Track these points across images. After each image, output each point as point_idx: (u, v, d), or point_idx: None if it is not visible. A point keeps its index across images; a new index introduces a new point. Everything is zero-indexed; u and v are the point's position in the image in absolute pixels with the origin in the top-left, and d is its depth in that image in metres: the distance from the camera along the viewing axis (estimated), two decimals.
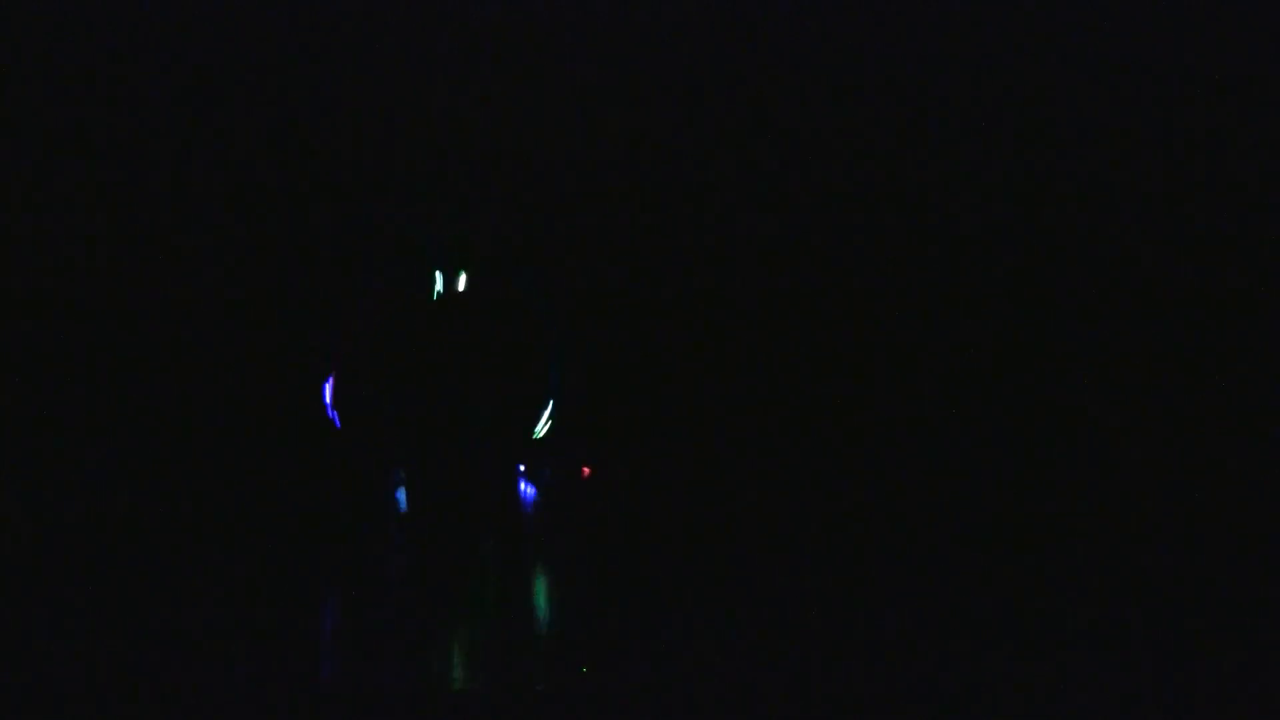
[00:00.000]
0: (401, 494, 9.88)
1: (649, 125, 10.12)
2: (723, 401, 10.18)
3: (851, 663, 6.34)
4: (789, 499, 9.59)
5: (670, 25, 9.99)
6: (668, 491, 9.82)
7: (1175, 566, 7.97)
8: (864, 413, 10.15)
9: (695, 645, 6.57)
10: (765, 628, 6.85)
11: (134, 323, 10.03)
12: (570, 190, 10.20)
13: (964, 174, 10.11)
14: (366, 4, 10.01)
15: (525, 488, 9.75)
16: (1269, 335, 9.92)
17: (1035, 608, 7.19)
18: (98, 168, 10.02)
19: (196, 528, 8.91)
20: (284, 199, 10.14)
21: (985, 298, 10.13)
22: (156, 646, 6.50)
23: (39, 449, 9.82)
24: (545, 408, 9.78)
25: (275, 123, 10.07)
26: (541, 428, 9.62)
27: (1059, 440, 10.02)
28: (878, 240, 10.17)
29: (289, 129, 10.08)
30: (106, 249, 10.06)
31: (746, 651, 6.48)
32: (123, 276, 10.05)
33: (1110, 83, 10.03)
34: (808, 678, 6.14)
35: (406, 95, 10.07)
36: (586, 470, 10.10)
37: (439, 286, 9.48)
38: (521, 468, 9.73)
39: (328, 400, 9.50)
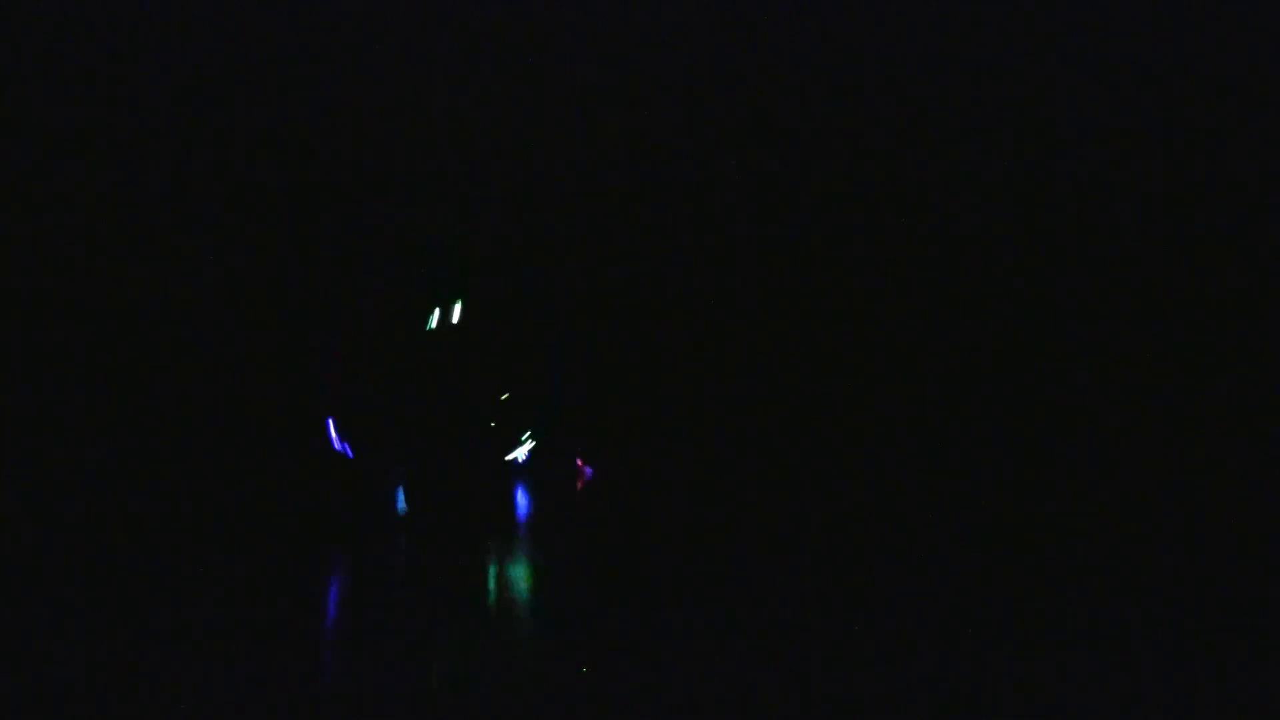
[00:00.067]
0: (401, 494, 9.88)
1: (649, 125, 10.13)
2: (723, 401, 10.19)
3: (851, 663, 6.34)
4: (789, 499, 9.59)
5: (670, 25, 9.99)
6: (667, 491, 9.82)
7: (1175, 566, 7.97)
8: (864, 413, 10.16)
9: (695, 645, 6.57)
10: (765, 628, 6.85)
11: (134, 323, 10.03)
12: (570, 190, 10.20)
13: (964, 174, 10.12)
14: (366, 4, 10.01)
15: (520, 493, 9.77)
16: (1269, 335, 9.92)
17: (1035, 608, 7.19)
18: (98, 168, 10.02)
19: (196, 528, 8.91)
20: (283, 199, 10.15)
21: (985, 298, 10.14)
22: (156, 646, 6.50)
23: (39, 449, 9.83)
24: (544, 409, 9.79)
25: (275, 123, 10.07)
26: (522, 451, 9.66)
27: (1059, 440, 10.02)
28: (878, 240, 10.18)
29: (289, 129, 10.09)
30: (106, 249, 10.07)
31: (746, 651, 6.48)
32: (123, 276, 10.05)
33: (1110, 83, 10.04)
34: (808, 678, 6.14)
35: (406, 95, 10.08)
36: (581, 464, 10.10)
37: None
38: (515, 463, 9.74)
39: (334, 436, 9.49)
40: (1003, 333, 10.09)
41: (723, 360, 10.20)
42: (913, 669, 6.20)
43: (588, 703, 5.84)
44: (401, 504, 9.82)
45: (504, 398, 9.57)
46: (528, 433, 9.65)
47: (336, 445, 9.44)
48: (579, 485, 10.06)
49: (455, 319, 9.35)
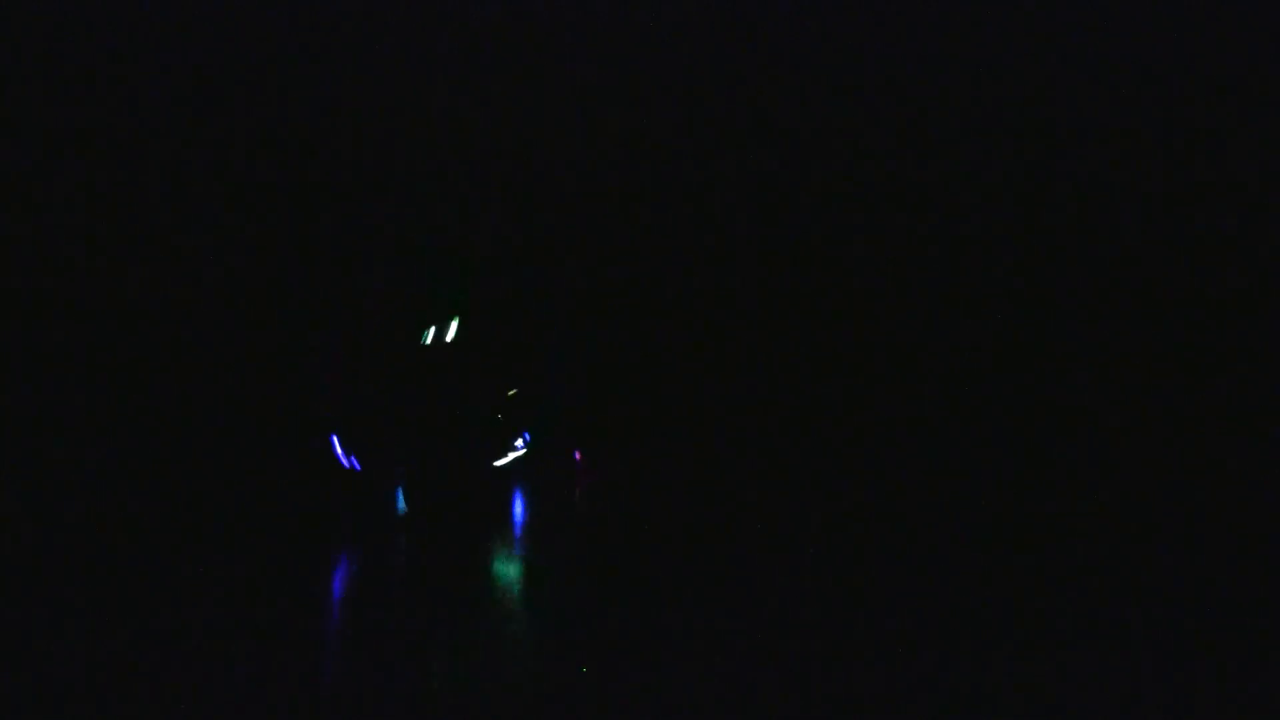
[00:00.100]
0: (400, 494, 9.89)
1: (649, 125, 10.12)
2: (722, 401, 10.18)
3: (851, 663, 6.34)
4: (789, 499, 9.58)
5: (670, 25, 9.99)
6: (667, 491, 9.81)
7: (1175, 566, 7.97)
8: (864, 413, 10.15)
9: (694, 645, 6.56)
10: (765, 628, 6.85)
11: (134, 323, 10.03)
12: (570, 190, 10.20)
13: (964, 174, 10.12)
14: (367, 4, 10.01)
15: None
16: (1269, 335, 9.92)
17: (1035, 608, 7.18)
18: (97, 168, 10.02)
19: (196, 528, 8.91)
20: (284, 199, 10.15)
21: (985, 298, 10.13)
22: (156, 646, 6.50)
23: (39, 449, 9.83)
24: (542, 411, 9.81)
25: (275, 123, 10.07)
26: (507, 460, 9.71)
27: (1059, 440, 10.02)
28: (878, 240, 10.17)
29: (289, 129, 10.08)
30: (106, 249, 10.07)
31: (746, 651, 6.48)
32: (122, 276, 10.05)
33: (1110, 83, 10.03)
34: (808, 678, 6.14)
35: (406, 95, 10.07)
36: (579, 459, 10.10)
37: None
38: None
39: (339, 451, 9.53)
40: (1003, 333, 10.09)
41: (722, 360, 10.20)
42: (913, 669, 6.20)
43: (588, 703, 5.84)
44: (401, 505, 9.82)
45: (509, 395, 9.60)
46: (521, 437, 9.70)
47: (343, 461, 9.51)
48: (578, 482, 10.06)
49: (453, 329, 9.41)
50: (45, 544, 8.48)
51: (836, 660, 6.38)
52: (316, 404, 9.58)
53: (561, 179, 10.18)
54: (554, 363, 9.87)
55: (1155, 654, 6.45)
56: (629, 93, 10.05)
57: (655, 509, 9.44)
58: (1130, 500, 9.36)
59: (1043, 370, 10.06)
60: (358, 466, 9.49)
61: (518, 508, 9.76)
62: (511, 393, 9.65)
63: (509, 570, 8.51)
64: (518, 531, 9.43)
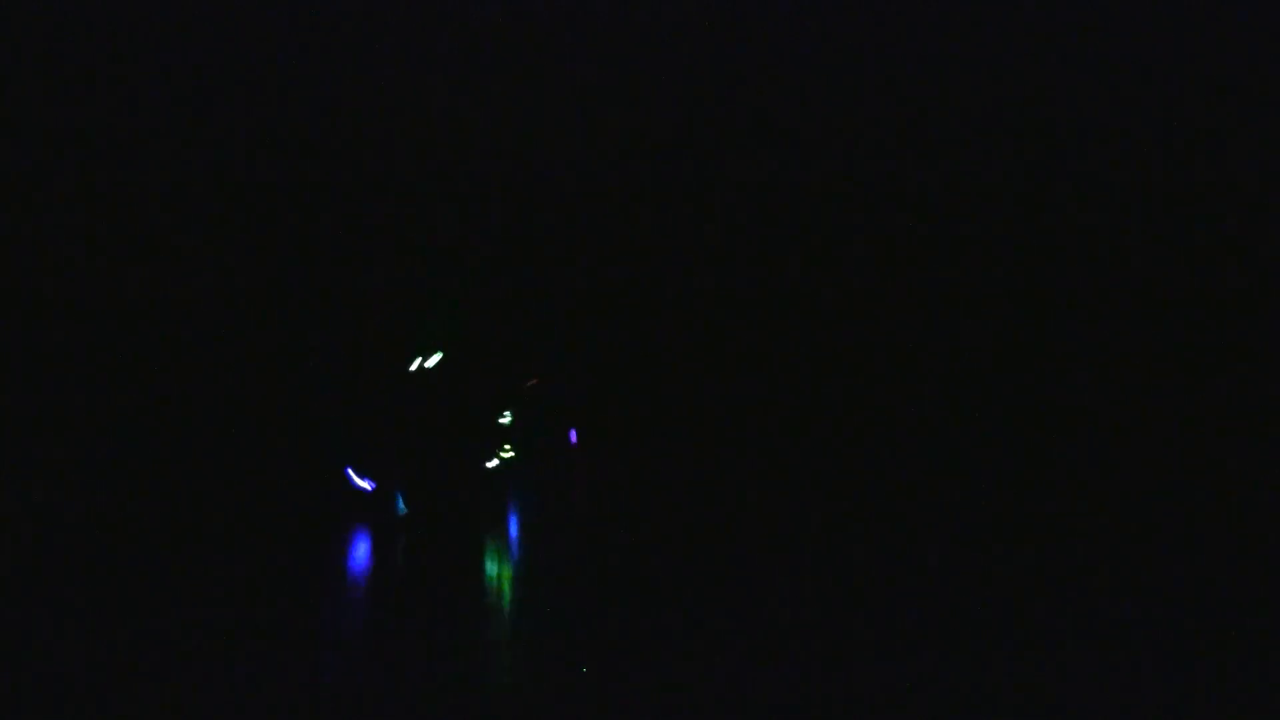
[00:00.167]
0: (400, 495, 9.91)
1: (648, 126, 10.12)
2: (722, 401, 10.18)
3: (851, 663, 6.34)
4: (789, 499, 9.58)
5: (670, 25, 9.99)
6: (666, 491, 9.81)
7: (1175, 566, 7.97)
8: (864, 413, 10.15)
9: (694, 645, 6.57)
10: (765, 628, 6.85)
11: (134, 323, 10.03)
12: (570, 190, 10.20)
13: (964, 174, 10.11)
14: (367, 4, 10.01)
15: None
16: (1269, 335, 9.92)
17: (1035, 608, 7.18)
18: (98, 168, 10.02)
19: (196, 528, 8.91)
20: (284, 200, 10.15)
21: (985, 298, 10.13)
22: (156, 646, 6.50)
23: (39, 449, 9.83)
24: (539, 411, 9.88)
25: (276, 123, 10.07)
26: (495, 461, 9.79)
27: (1059, 440, 10.01)
28: (878, 241, 10.17)
29: (290, 129, 10.08)
30: (106, 249, 10.07)
31: (746, 651, 6.48)
32: (123, 276, 10.05)
33: (1110, 83, 10.03)
34: (808, 678, 6.15)
35: (406, 95, 10.07)
36: (574, 436, 10.10)
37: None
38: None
39: (353, 478, 9.69)
40: (1003, 333, 10.09)
41: (722, 360, 10.20)
42: (913, 669, 6.20)
43: (588, 703, 5.84)
44: (401, 506, 9.84)
45: (530, 385, 9.76)
46: (509, 442, 9.83)
47: (356, 484, 9.65)
48: (573, 466, 10.07)
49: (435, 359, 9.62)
50: (45, 544, 8.48)
51: (836, 660, 6.38)
52: (323, 433, 9.72)
53: (562, 179, 10.18)
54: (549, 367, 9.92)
55: (1155, 654, 6.46)
56: (629, 93, 10.05)
57: (655, 509, 9.44)
58: (1130, 500, 9.36)
59: (1043, 370, 10.06)
60: (372, 486, 9.66)
61: (514, 511, 9.77)
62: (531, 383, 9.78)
63: (508, 571, 8.51)
64: (515, 532, 9.44)
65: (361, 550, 8.93)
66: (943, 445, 10.02)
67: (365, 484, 9.68)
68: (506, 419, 9.93)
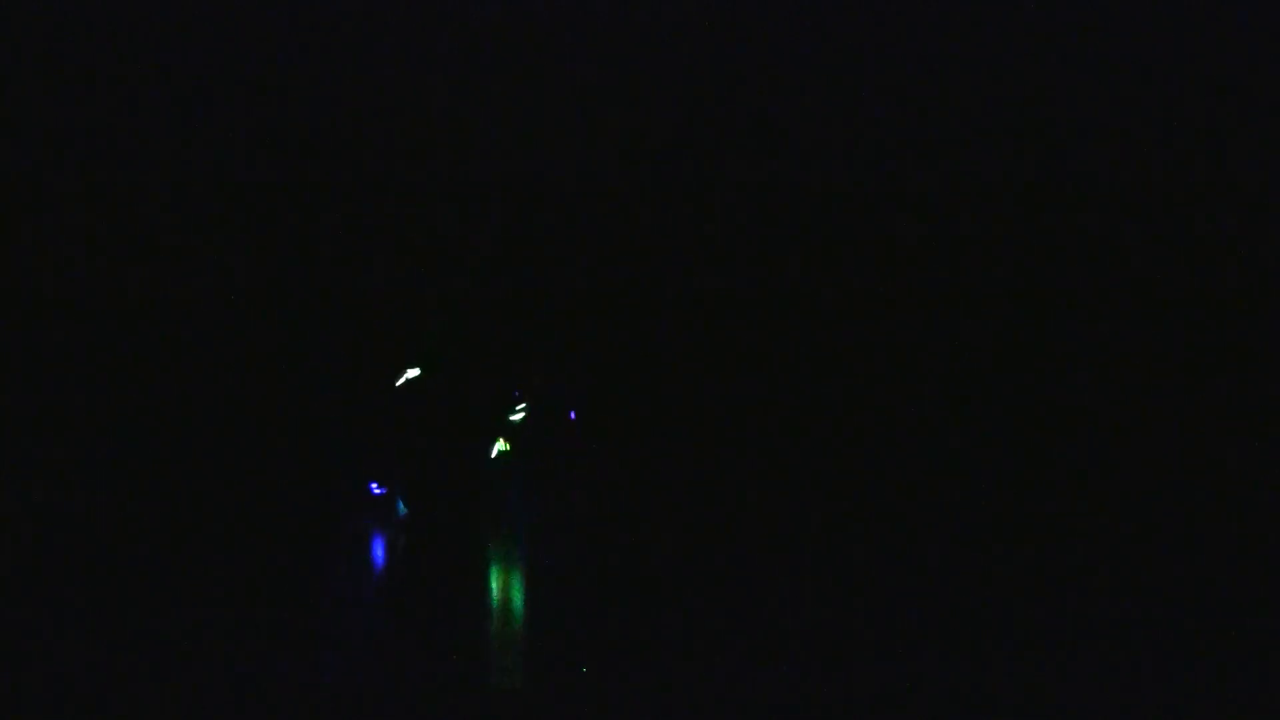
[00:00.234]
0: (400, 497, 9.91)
1: (648, 126, 10.12)
2: (722, 401, 10.18)
3: (851, 663, 6.34)
4: (789, 499, 9.58)
5: (670, 26, 9.98)
6: (666, 491, 9.81)
7: (1175, 566, 7.97)
8: (864, 413, 10.14)
9: (695, 645, 6.56)
10: (765, 628, 6.84)
11: (134, 323, 10.03)
12: (570, 190, 10.20)
13: (964, 174, 10.11)
14: (367, 4, 10.01)
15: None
16: (1269, 335, 9.91)
17: (1035, 608, 7.18)
18: (97, 168, 10.02)
19: (196, 528, 8.91)
20: (284, 200, 10.14)
21: (985, 298, 10.12)
22: (157, 646, 6.50)
23: (39, 449, 9.82)
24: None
25: (276, 124, 10.06)
26: (495, 449, 9.80)
27: (1059, 440, 10.01)
28: (878, 241, 10.16)
29: (290, 130, 10.08)
30: (107, 249, 10.06)
31: (746, 651, 6.48)
32: (123, 277, 10.05)
33: (1110, 83, 10.03)
34: (808, 678, 6.14)
35: (407, 95, 10.07)
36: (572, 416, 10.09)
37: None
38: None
39: (374, 487, 9.76)
40: (1003, 333, 10.08)
41: (722, 360, 10.19)
42: (913, 669, 6.20)
43: (588, 703, 5.84)
44: (402, 508, 9.84)
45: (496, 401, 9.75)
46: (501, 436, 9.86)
47: (375, 491, 9.75)
48: (572, 443, 10.06)
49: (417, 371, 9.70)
50: (45, 544, 8.48)
51: (836, 660, 6.38)
52: (323, 433, 9.76)
53: (561, 179, 10.17)
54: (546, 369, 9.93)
55: (1155, 654, 6.45)
56: (629, 93, 10.04)
57: (655, 509, 9.43)
58: (1130, 500, 9.36)
59: (1043, 370, 10.05)
60: (382, 490, 9.70)
61: (514, 511, 9.77)
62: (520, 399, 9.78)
63: (508, 571, 8.51)
64: (515, 533, 9.43)
65: (361, 551, 8.93)
66: (943, 445, 10.01)
67: (379, 489, 9.75)
68: (519, 415, 9.92)
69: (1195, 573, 7.82)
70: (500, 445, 9.81)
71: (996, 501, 9.44)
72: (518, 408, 9.86)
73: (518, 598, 7.88)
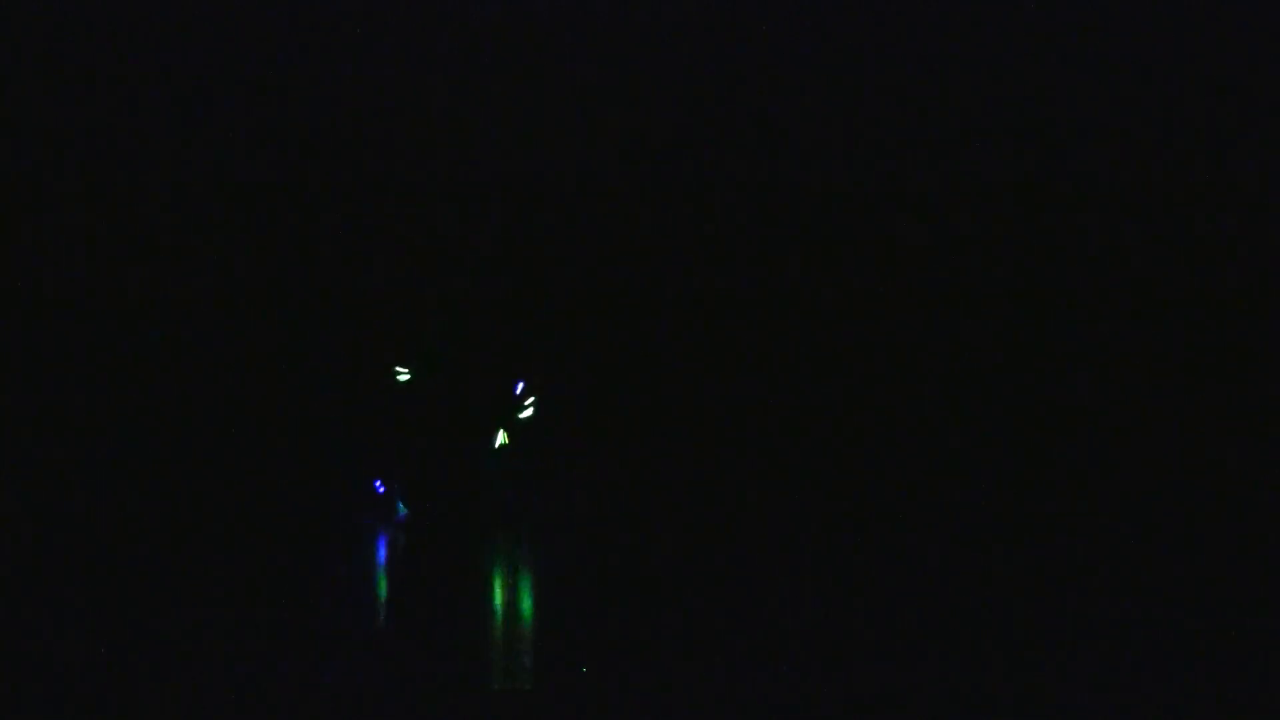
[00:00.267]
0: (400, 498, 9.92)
1: (648, 126, 10.12)
2: (722, 401, 10.18)
3: (851, 663, 6.35)
4: (788, 499, 9.59)
5: (669, 26, 9.98)
6: (666, 491, 9.81)
7: (1175, 566, 7.98)
8: (864, 413, 10.15)
9: (695, 645, 6.57)
10: (764, 628, 6.85)
11: (134, 323, 10.03)
12: (570, 190, 10.20)
13: (964, 175, 10.11)
14: (367, 4, 10.01)
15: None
16: (1269, 335, 9.91)
17: (1035, 608, 7.19)
18: (98, 168, 10.02)
19: (196, 528, 8.91)
20: (285, 200, 10.14)
21: (985, 298, 10.13)
22: (157, 646, 6.50)
23: (39, 449, 9.82)
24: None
25: (276, 124, 10.07)
26: (498, 439, 9.82)
27: (1059, 440, 10.01)
28: (878, 240, 10.17)
29: (291, 130, 10.08)
30: (107, 249, 10.07)
31: (746, 651, 6.48)
32: (123, 277, 10.05)
33: (1110, 83, 10.03)
34: (808, 678, 6.15)
35: (407, 95, 10.07)
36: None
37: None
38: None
39: (379, 485, 9.80)
40: (1003, 333, 10.09)
41: (722, 360, 10.19)
42: (913, 669, 6.21)
43: (588, 703, 5.85)
44: (402, 508, 9.85)
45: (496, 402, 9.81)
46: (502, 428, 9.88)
47: (380, 489, 9.78)
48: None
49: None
50: (45, 544, 8.48)
51: (836, 660, 6.39)
52: (324, 433, 9.79)
53: (561, 179, 10.17)
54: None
55: (1155, 654, 6.46)
56: (629, 93, 10.05)
57: (655, 509, 9.44)
58: (1130, 500, 9.36)
59: (1043, 370, 10.06)
60: (382, 489, 9.74)
61: (514, 510, 9.77)
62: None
63: (508, 571, 8.51)
64: (518, 533, 9.43)
65: (362, 550, 8.93)
66: (943, 445, 10.01)
67: (383, 487, 9.79)
68: (528, 411, 9.91)
69: (1195, 573, 7.82)
70: (501, 439, 9.80)
71: (996, 502, 9.45)
72: (525, 403, 9.86)
73: (518, 597, 7.88)
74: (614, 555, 8.54)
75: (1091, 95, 10.03)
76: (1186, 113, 10.01)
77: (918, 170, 10.11)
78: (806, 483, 9.84)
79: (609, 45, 10.01)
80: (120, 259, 10.03)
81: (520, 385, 9.88)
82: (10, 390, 9.85)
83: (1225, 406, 9.88)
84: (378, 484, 9.83)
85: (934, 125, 10.11)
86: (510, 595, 8.01)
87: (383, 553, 9.30)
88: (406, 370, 9.74)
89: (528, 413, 9.87)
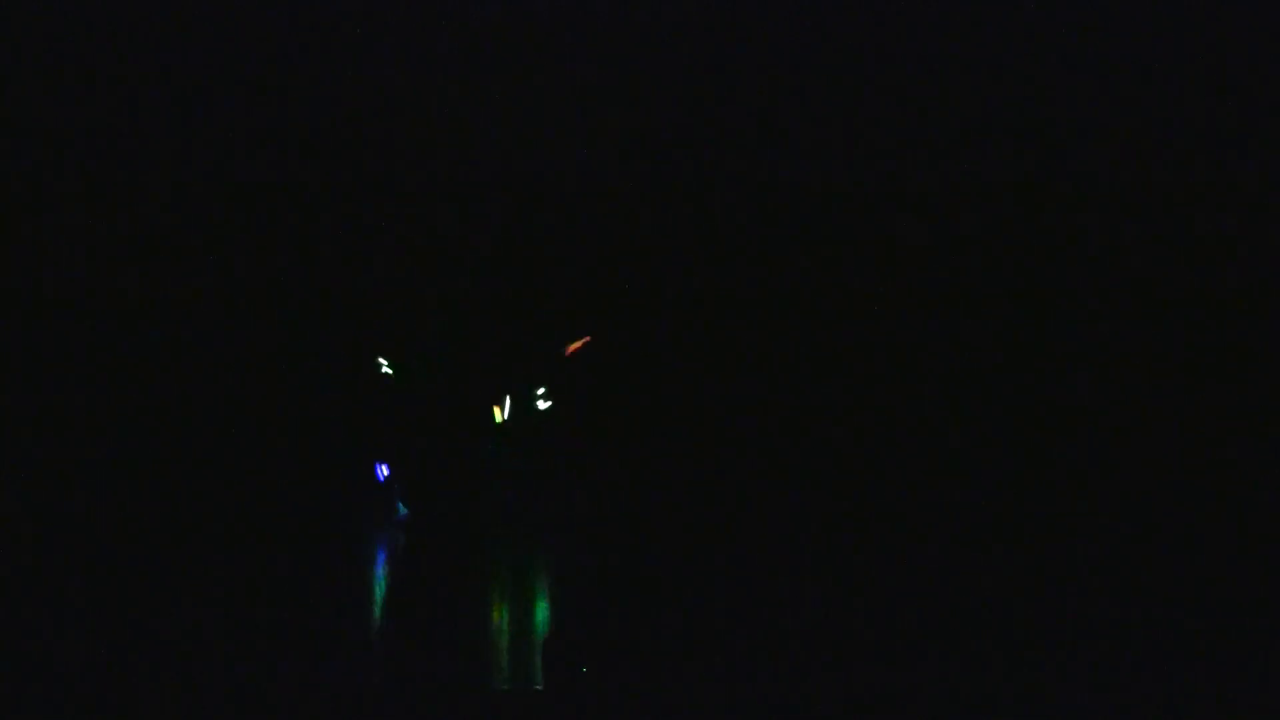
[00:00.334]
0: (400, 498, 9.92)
1: (648, 126, 10.12)
2: (722, 401, 10.18)
3: (851, 663, 6.35)
4: (788, 499, 9.59)
5: (669, 26, 9.99)
6: (666, 491, 9.82)
7: (1175, 566, 7.98)
8: (864, 413, 10.15)
9: (695, 645, 6.57)
10: (764, 628, 6.85)
11: (134, 323, 10.03)
12: (570, 190, 10.20)
13: (964, 174, 10.11)
14: (367, 4, 10.02)
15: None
16: (1269, 335, 9.92)
17: (1035, 608, 7.19)
18: (97, 168, 10.02)
19: (195, 527, 8.91)
20: (286, 200, 10.15)
21: (985, 298, 10.13)
22: (157, 646, 6.51)
23: (39, 449, 9.83)
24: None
25: (276, 124, 10.07)
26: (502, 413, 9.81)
27: (1059, 440, 10.02)
28: (878, 240, 10.17)
29: (290, 130, 10.09)
30: (106, 249, 10.07)
31: (746, 651, 6.48)
32: (123, 276, 10.06)
33: (1110, 83, 10.03)
34: (808, 678, 6.15)
35: (407, 95, 10.08)
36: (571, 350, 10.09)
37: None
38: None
39: (381, 475, 9.82)
40: (1002, 333, 10.09)
41: (723, 360, 10.20)
42: (912, 669, 6.21)
43: (588, 703, 5.85)
44: (402, 509, 9.85)
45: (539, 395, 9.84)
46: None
47: (380, 475, 9.79)
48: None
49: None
50: (45, 544, 8.49)
51: (836, 660, 6.39)
52: (324, 433, 9.81)
53: (561, 179, 10.18)
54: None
55: (1155, 654, 6.46)
56: (629, 93, 10.05)
57: (656, 509, 9.44)
58: (1130, 500, 9.36)
59: (1043, 370, 10.06)
60: (388, 473, 9.74)
61: (514, 510, 9.77)
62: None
63: (509, 571, 8.51)
64: (515, 532, 9.44)
65: (361, 552, 8.93)
66: (943, 445, 10.01)
67: (381, 476, 9.79)
68: (542, 404, 9.91)
69: (1195, 573, 7.83)
70: (500, 415, 9.78)
71: (997, 501, 9.45)
72: (539, 394, 9.86)
73: (519, 598, 7.89)
74: (614, 555, 8.54)
75: (1091, 95, 10.03)
76: (1187, 113, 10.01)
77: (918, 170, 10.12)
78: (807, 483, 9.84)
79: (609, 45, 10.02)
80: (120, 258, 10.03)
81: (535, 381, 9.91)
82: (10, 390, 9.85)
83: (1225, 406, 9.88)
84: (378, 469, 9.81)
85: (934, 125, 10.11)
86: (510, 595, 8.02)
87: (383, 553, 9.30)
88: (389, 364, 9.74)
89: (544, 405, 9.88)
